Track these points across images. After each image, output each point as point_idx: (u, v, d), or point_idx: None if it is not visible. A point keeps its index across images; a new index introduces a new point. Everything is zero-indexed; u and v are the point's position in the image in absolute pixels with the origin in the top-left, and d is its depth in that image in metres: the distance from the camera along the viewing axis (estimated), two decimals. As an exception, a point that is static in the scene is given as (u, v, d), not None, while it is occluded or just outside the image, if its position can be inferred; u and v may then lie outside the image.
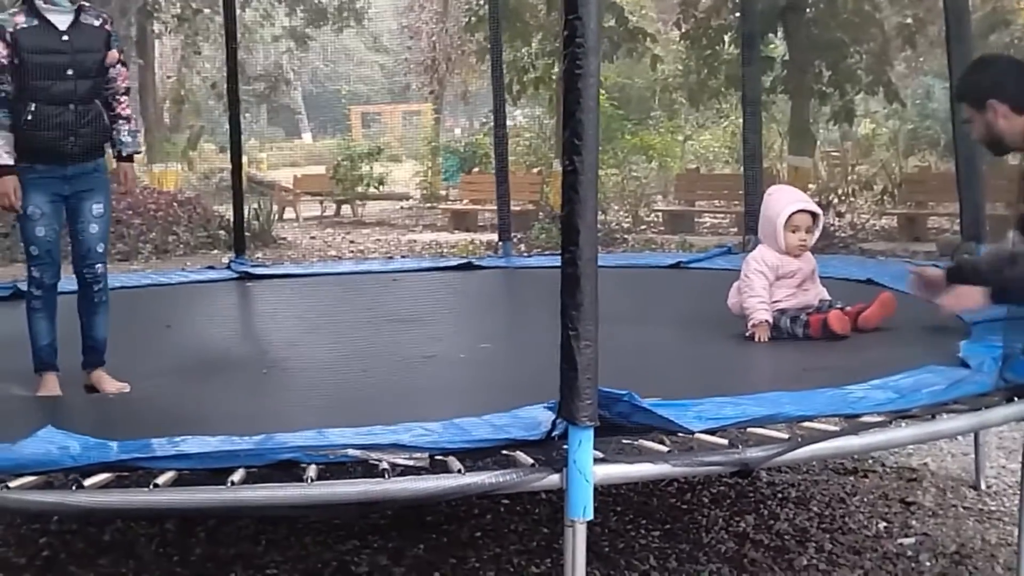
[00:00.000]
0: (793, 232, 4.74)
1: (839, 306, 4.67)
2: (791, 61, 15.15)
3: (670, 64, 20.32)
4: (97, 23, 4.37)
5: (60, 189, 4.35)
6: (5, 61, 4.17)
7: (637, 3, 22.05)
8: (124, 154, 4.58)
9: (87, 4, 4.38)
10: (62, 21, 4.25)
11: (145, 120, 25.65)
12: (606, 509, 4.66)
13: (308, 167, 30.55)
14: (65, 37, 4.25)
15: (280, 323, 6.05)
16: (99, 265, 4.48)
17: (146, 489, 2.84)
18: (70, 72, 4.25)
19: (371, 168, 22.78)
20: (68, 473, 2.92)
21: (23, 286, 4.64)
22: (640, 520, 4.67)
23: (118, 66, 4.49)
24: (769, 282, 4.71)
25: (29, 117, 4.20)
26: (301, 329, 5.73)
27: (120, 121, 4.51)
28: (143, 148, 4.56)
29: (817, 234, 4.85)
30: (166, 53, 30.61)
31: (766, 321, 4.65)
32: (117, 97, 4.50)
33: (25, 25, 4.19)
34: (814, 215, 4.83)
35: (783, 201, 4.82)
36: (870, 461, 5.38)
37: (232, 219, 8.61)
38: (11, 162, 4.21)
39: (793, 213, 4.75)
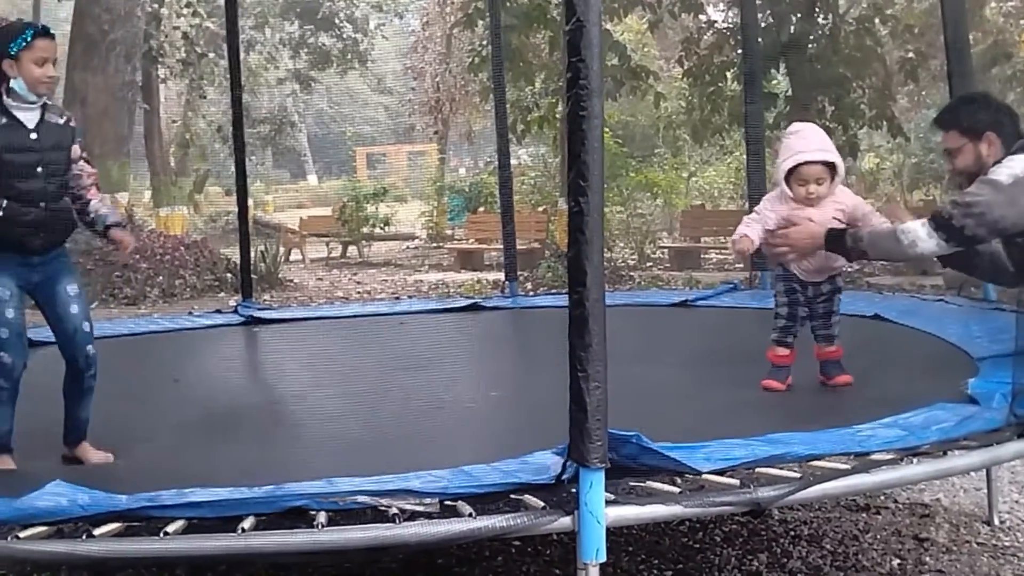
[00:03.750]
0: (801, 185, 4.43)
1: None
2: (794, 97, 15.19)
3: (673, 101, 20.38)
4: (61, 120, 4.19)
5: (28, 276, 4.13)
6: None
7: (639, 42, 22.17)
8: (109, 224, 4.40)
9: (49, 102, 4.20)
10: (30, 119, 4.07)
11: (151, 164, 25.87)
12: (618, 549, 4.63)
13: (314, 208, 30.69)
14: (34, 135, 4.07)
15: (287, 369, 6.05)
16: (90, 346, 4.25)
17: (156, 537, 2.83)
18: (39, 170, 4.07)
19: (377, 209, 22.87)
20: (78, 523, 2.91)
21: None
22: (652, 560, 4.64)
23: (81, 163, 4.33)
24: (765, 228, 4.48)
25: (1, 212, 3.99)
26: (309, 375, 5.72)
27: (92, 203, 4.35)
28: (124, 222, 4.50)
29: (836, 182, 4.47)
30: (171, 97, 30.89)
31: (746, 236, 4.46)
32: (84, 188, 4.34)
33: None
34: (827, 164, 4.44)
35: (795, 147, 4.47)
36: (882, 497, 5.35)
37: (239, 262, 8.64)
38: None
39: (798, 166, 4.42)
